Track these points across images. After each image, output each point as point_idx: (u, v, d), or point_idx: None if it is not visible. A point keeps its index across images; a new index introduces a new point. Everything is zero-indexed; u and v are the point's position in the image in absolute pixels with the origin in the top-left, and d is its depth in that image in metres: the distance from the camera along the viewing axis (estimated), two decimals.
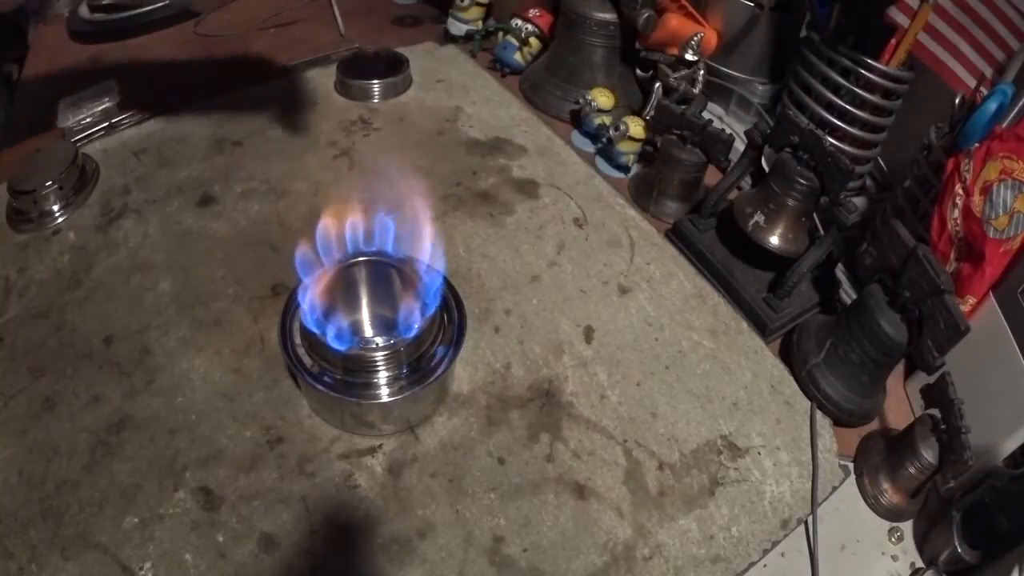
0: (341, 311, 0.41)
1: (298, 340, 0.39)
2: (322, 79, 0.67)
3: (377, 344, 0.38)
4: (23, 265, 0.47)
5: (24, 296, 0.45)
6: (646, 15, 0.60)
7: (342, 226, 0.41)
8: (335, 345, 0.37)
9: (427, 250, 0.40)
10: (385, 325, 0.42)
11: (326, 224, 0.42)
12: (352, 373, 0.38)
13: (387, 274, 0.41)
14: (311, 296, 0.38)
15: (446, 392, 0.42)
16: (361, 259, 0.41)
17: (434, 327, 0.40)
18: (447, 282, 0.42)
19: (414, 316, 0.39)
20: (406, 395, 0.38)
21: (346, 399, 0.38)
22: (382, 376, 0.38)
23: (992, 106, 0.43)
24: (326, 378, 0.38)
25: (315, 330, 0.37)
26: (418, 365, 0.39)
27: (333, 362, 0.38)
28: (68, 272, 0.47)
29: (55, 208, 0.50)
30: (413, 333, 0.38)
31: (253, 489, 0.37)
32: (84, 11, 0.75)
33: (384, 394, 0.38)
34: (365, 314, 0.43)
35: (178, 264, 0.48)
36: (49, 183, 0.50)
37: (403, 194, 0.41)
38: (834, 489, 0.42)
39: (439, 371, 0.39)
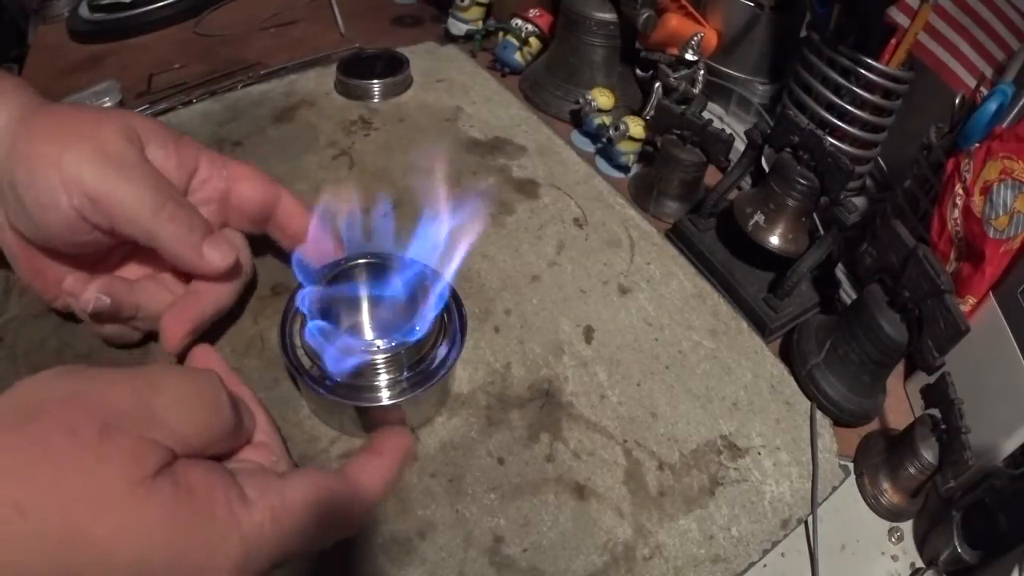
0: (341, 315, 0.41)
1: (298, 342, 0.39)
2: (322, 79, 0.67)
3: (378, 347, 0.38)
4: None
5: (24, 296, 0.45)
6: (646, 15, 0.60)
7: (342, 226, 0.41)
8: (338, 366, 0.36)
9: (439, 256, 0.40)
10: (386, 327, 0.42)
11: (327, 225, 0.42)
12: (352, 376, 0.38)
13: (388, 275, 0.41)
14: (312, 309, 0.37)
15: (447, 394, 0.42)
16: (361, 260, 0.41)
17: (435, 329, 0.39)
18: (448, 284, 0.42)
19: (416, 318, 0.38)
20: (407, 398, 0.37)
21: (346, 402, 0.38)
22: (383, 379, 0.38)
23: (992, 106, 0.43)
24: (327, 381, 0.38)
25: (317, 345, 0.36)
26: (419, 367, 0.39)
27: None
28: None
29: None
30: (415, 336, 0.38)
31: None
32: (84, 11, 0.75)
33: (385, 397, 0.37)
34: (365, 316, 0.43)
35: None
36: None
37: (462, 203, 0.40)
38: (834, 489, 0.42)
39: (440, 373, 0.38)
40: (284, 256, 0.49)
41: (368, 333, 0.43)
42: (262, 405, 0.34)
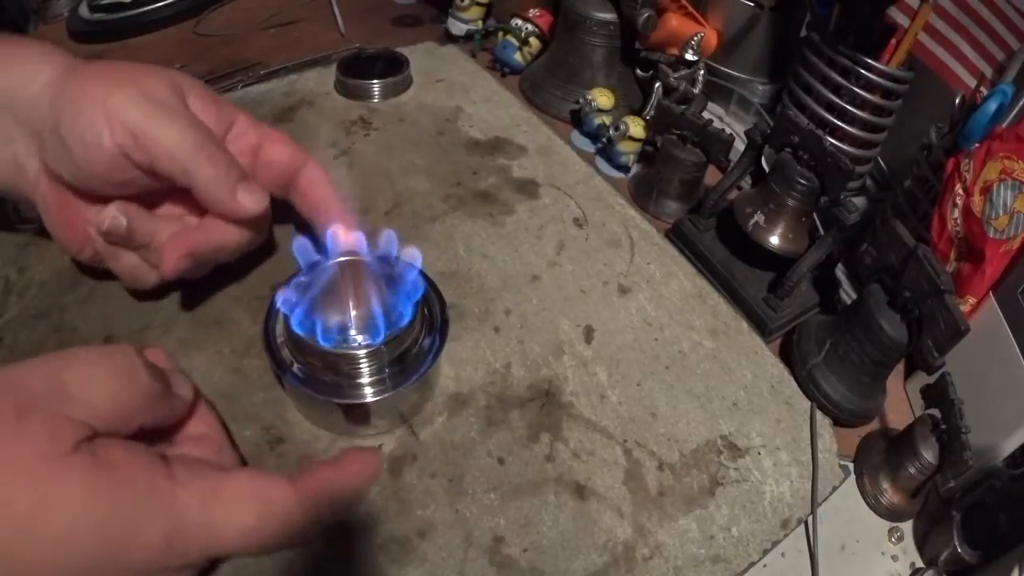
0: (322, 311, 0.41)
1: (281, 340, 0.39)
2: (322, 79, 0.67)
3: (359, 343, 0.38)
4: (23, 265, 0.47)
5: (24, 296, 0.45)
6: (646, 15, 0.60)
7: (330, 228, 0.41)
8: (323, 343, 0.36)
9: (409, 251, 0.40)
10: (366, 324, 0.42)
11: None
12: (335, 373, 0.38)
13: (368, 273, 0.41)
14: (293, 296, 0.38)
15: (431, 389, 0.42)
16: (342, 259, 0.40)
17: (417, 325, 0.39)
18: (427, 279, 0.42)
19: (396, 314, 0.38)
20: (389, 395, 0.37)
21: (329, 399, 0.38)
22: (365, 376, 0.38)
23: (992, 106, 0.43)
24: (309, 378, 0.38)
25: (299, 330, 0.36)
26: (402, 363, 0.39)
27: (315, 362, 0.38)
28: (68, 272, 0.47)
29: None
30: (395, 331, 0.38)
31: None
32: (84, 11, 0.75)
33: (369, 393, 0.37)
34: (346, 314, 0.43)
35: None
36: None
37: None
38: (834, 489, 0.42)
39: (421, 370, 0.38)
40: (284, 256, 0.49)
41: (350, 330, 0.43)
42: (208, 403, 0.35)
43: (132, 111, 0.35)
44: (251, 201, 0.39)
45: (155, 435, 0.31)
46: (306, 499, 0.30)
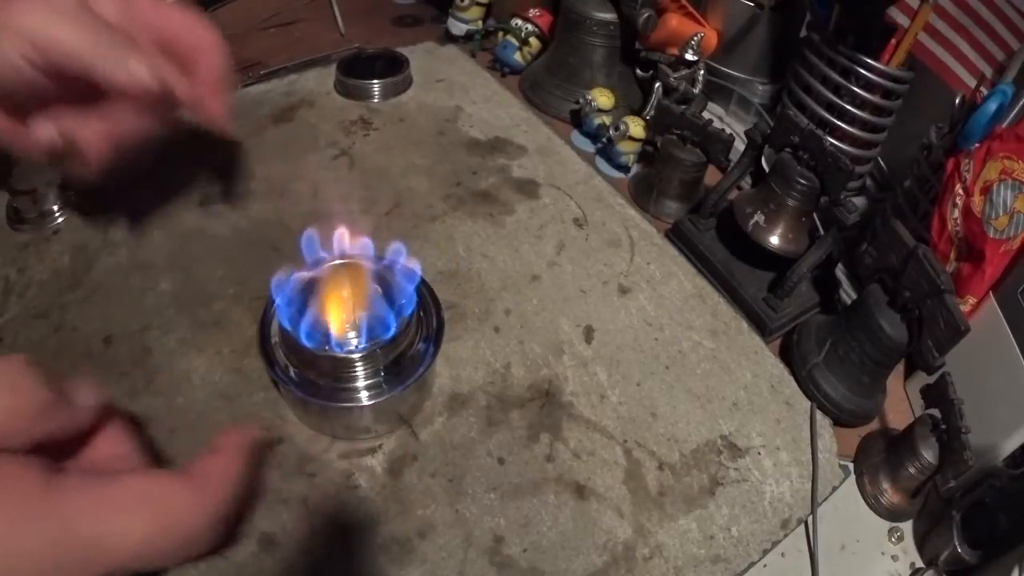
0: (316, 313, 0.41)
1: (276, 341, 0.39)
2: (322, 79, 0.67)
3: (354, 346, 0.38)
4: (23, 265, 0.47)
5: (24, 296, 0.45)
6: (646, 15, 0.60)
7: (327, 229, 0.41)
8: (306, 343, 0.36)
9: (402, 253, 0.40)
10: (361, 328, 0.41)
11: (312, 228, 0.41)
12: (329, 377, 0.37)
13: (364, 276, 0.40)
14: (287, 296, 0.37)
15: (428, 391, 0.42)
16: (337, 261, 0.40)
17: (412, 328, 0.39)
18: (423, 281, 0.42)
19: (391, 318, 0.38)
20: (383, 399, 0.37)
21: (324, 404, 0.37)
22: (360, 380, 0.37)
23: (992, 106, 0.43)
24: (304, 383, 0.38)
25: (288, 327, 0.36)
26: (397, 367, 0.38)
27: (308, 366, 0.38)
28: (68, 272, 0.47)
29: (55, 208, 0.50)
30: (389, 335, 0.37)
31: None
32: None
33: (364, 398, 0.37)
34: (340, 317, 0.43)
35: (178, 264, 0.48)
36: (49, 183, 0.50)
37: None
38: (834, 489, 0.42)
39: (416, 374, 0.38)
40: (284, 256, 0.49)
41: (344, 333, 0.43)
42: (129, 423, 0.34)
43: (30, 19, 0.34)
44: (145, 72, 0.37)
45: (60, 451, 0.30)
46: (201, 493, 0.29)
